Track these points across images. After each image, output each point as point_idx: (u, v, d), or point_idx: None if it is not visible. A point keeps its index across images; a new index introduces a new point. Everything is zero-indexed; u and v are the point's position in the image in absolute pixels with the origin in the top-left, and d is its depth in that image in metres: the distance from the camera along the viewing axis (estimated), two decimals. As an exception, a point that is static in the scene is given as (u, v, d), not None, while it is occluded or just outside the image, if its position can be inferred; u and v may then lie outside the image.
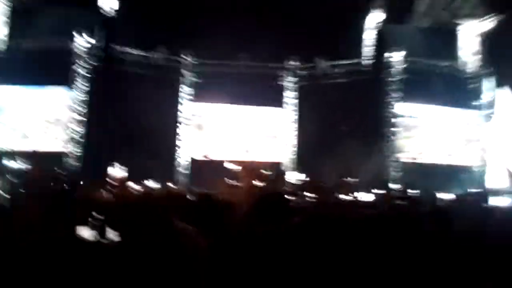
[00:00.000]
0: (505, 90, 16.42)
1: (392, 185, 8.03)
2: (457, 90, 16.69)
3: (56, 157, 14.28)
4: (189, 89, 16.90)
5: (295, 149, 16.77)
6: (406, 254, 3.65)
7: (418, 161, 16.33)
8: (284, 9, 14.73)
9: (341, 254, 3.30)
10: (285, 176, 10.93)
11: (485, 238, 3.40)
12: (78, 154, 14.78)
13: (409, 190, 6.76)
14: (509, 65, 15.32)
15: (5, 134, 14.88)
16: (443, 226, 4.04)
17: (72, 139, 14.86)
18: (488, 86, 16.91)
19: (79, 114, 15.01)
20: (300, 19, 14.73)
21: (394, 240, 3.85)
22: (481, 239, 3.42)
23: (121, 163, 12.06)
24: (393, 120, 16.30)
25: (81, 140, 14.89)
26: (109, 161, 12.20)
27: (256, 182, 3.00)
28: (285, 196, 3.79)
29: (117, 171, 9.60)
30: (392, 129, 16.25)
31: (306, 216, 4.13)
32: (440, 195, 6.64)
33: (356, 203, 5.16)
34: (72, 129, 14.91)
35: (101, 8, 14.77)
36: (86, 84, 15.19)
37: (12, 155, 11.61)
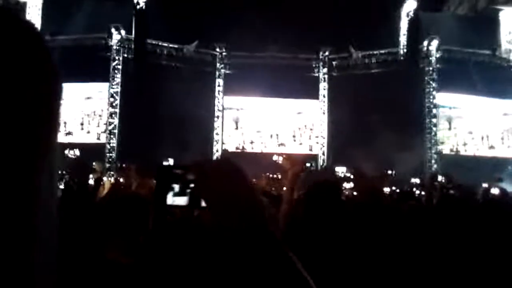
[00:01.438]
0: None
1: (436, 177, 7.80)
2: (497, 79, 16.11)
3: (95, 149, 14.53)
4: (223, 81, 16.90)
5: (330, 141, 16.45)
6: (461, 245, 3.53)
7: (460, 153, 15.92)
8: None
9: (397, 245, 3.22)
10: (327, 168, 10.83)
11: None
12: (115, 145, 15.06)
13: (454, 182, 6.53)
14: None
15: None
16: (499, 217, 3.88)
17: (110, 131, 15.17)
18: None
19: (115, 107, 15.29)
20: (332, 8, 14.47)
21: (448, 231, 3.72)
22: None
23: (158, 156, 12.16)
24: (432, 110, 15.91)
25: (117, 132, 15.17)
26: (144, 153, 12.31)
27: (299, 174, 2.96)
28: (336, 185, 3.71)
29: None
30: (432, 119, 15.87)
31: (357, 207, 4.05)
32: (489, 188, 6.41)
33: (406, 194, 5.03)
34: (110, 122, 15.22)
35: (134, 2, 14.86)
36: (122, 78, 15.43)
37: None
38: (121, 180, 4.75)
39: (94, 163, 6.20)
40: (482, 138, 16.29)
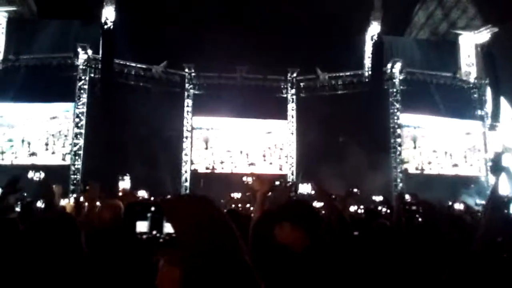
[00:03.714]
0: (504, 99, 16.47)
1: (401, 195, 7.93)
2: (458, 101, 16.74)
3: (60, 171, 14.08)
4: (192, 101, 16.85)
5: (299, 160, 16.60)
6: (428, 263, 3.60)
7: (425, 171, 16.32)
8: (284, 21, 14.79)
9: (377, 263, 3.24)
10: (294, 187, 10.85)
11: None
12: (80, 166, 14.67)
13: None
14: (507, 76, 15.43)
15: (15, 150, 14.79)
16: (464, 234, 3.99)
17: (75, 152, 14.78)
18: (488, 96, 17.01)
19: (81, 128, 14.95)
20: (300, 31, 14.80)
21: (416, 248, 3.79)
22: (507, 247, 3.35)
23: (123, 176, 11.87)
24: (397, 130, 16.36)
25: (82, 153, 14.80)
26: (109, 173, 12.00)
27: (267, 193, 2.98)
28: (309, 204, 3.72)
29: (121, 183, 9.45)
30: (397, 139, 16.29)
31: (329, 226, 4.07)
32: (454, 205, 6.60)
33: (372, 213, 5.09)
34: (75, 143, 14.85)
35: (101, 22, 14.72)
36: (88, 98, 15.15)
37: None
38: (82, 200, 4.56)
39: (54, 186, 6.01)
40: (446, 156, 16.77)
